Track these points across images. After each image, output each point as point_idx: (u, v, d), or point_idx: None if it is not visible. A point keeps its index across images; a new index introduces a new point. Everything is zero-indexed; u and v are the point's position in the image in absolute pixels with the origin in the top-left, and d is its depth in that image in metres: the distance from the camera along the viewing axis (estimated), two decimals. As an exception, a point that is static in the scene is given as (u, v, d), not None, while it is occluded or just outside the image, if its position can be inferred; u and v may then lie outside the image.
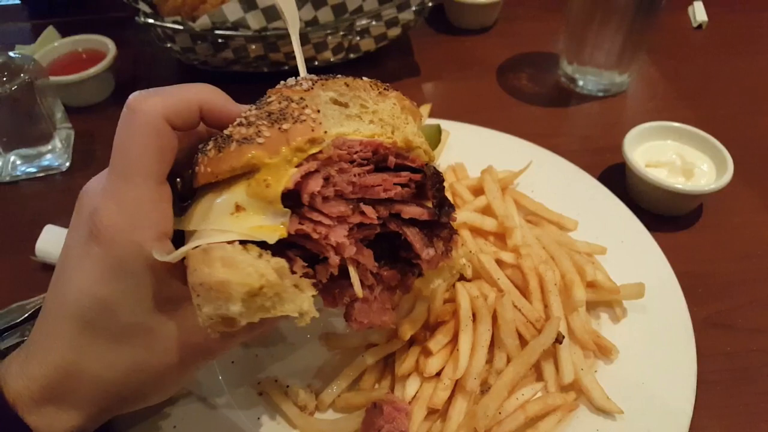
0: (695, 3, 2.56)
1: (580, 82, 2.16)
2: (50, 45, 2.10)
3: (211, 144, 0.87)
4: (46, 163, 1.83)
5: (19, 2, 2.65)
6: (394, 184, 0.89)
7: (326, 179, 0.82)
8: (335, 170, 0.83)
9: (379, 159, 0.88)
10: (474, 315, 1.27)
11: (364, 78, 0.97)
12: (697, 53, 2.38)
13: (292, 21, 1.13)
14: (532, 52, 2.38)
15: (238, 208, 0.81)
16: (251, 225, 0.79)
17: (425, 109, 1.83)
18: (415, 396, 1.24)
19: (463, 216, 1.47)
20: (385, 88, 0.97)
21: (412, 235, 0.92)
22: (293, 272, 0.80)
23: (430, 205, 0.94)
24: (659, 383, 1.26)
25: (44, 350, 0.90)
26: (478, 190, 1.60)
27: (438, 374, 1.24)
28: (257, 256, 0.76)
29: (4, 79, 1.63)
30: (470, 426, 1.18)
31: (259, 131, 0.83)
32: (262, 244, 0.78)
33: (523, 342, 1.28)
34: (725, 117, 2.03)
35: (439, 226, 0.95)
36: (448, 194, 1.59)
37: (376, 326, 0.91)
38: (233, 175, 0.84)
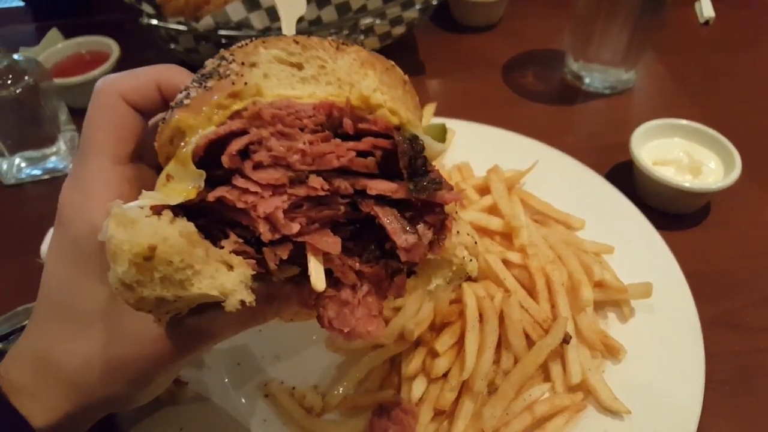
0: (702, -2, 2.54)
1: (587, 80, 2.15)
2: (54, 47, 2.11)
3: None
4: (50, 165, 1.84)
5: (22, 4, 2.66)
6: (350, 150, 0.75)
7: (258, 143, 0.72)
8: (270, 133, 0.72)
9: (335, 124, 0.76)
10: (480, 315, 1.27)
11: (328, 38, 0.85)
12: (704, 49, 2.36)
13: (288, 6, 1.06)
14: (538, 50, 2.37)
15: (168, 177, 0.74)
16: (170, 190, 0.73)
17: (430, 108, 1.83)
18: (421, 397, 1.24)
19: (469, 216, 1.46)
20: (343, 43, 0.83)
21: (386, 216, 0.75)
22: (220, 247, 0.72)
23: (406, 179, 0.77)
24: (667, 383, 1.25)
25: (24, 336, 0.90)
26: (484, 190, 1.59)
27: (445, 375, 1.24)
28: (169, 221, 0.69)
29: (9, 82, 1.64)
30: (477, 427, 1.18)
31: (188, 94, 0.76)
32: (190, 217, 0.71)
33: (530, 342, 1.27)
34: (733, 114, 2.02)
35: (427, 208, 0.78)
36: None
37: (360, 336, 0.77)
38: (174, 148, 0.76)
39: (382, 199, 0.76)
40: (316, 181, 0.73)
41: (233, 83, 0.74)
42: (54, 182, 1.84)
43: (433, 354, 1.25)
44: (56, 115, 1.81)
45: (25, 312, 1.32)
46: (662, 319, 1.36)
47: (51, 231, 1.55)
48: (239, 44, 0.80)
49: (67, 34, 2.21)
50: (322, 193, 0.73)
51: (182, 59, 2.04)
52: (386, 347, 1.28)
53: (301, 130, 0.74)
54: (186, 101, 0.75)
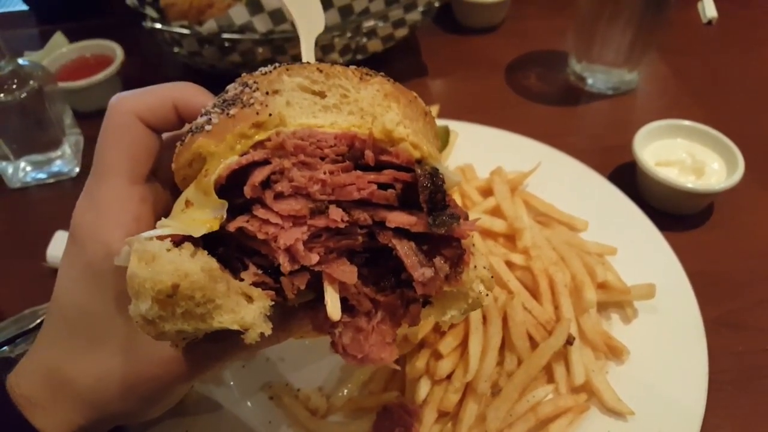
0: (704, -2, 2.53)
1: (590, 81, 2.15)
2: (58, 51, 2.12)
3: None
4: (56, 169, 1.85)
5: (27, 8, 2.67)
6: (371, 182, 0.75)
7: (280, 173, 0.73)
8: (292, 163, 0.73)
9: (356, 155, 0.77)
10: (484, 317, 1.27)
11: (350, 66, 0.85)
12: (707, 50, 2.36)
13: (305, 21, 1.06)
14: (541, 51, 2.37)
15: (188, 203, 0.74)
16: (191, 219, 0.72)
17: (433, 110, 1.83)
18: (425, 399, 1.24)
19: (471, 217, 1.46)
20: (366, 73, 0.83)
21: (403, 249, 0.75)
22: (240, 279, 0.72)
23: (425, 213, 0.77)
24: (670, 384, 1.26)
25: (35, 349, 0.91)
26: (487, 192, 1.60)
27: (448, 377, 1.25)
28: (190, 255, 0.69)
29: (14, 86, 1.64)
30: (481, 428, 1.19)
31: (209, 119, 0.77)
32: (209, 246, 0.72)
33: (533, 344, 1.28)
34: (736, 114, 2.02)
35: (445, 242, 0.78)
36: (457, 198, 1.58)
37: (373, 363, 0.76)
38: (193, 171, 0.77)
39: (400, 231, 0.76)
40: (336, 213, 0.73)
41: (257, 113, 0.74)
42: (59, 186, 1.85)
43: (437, 356, 1.26)
44: (61, 119, 1.82)
45: (32, 315, 1.33)
46: (665, 320, 1.36)
47: (57, 234, 1.57)
48: (262, 71, 0.81)
49: (72, 37, 2.22)
50: (342, 225, 0.73)
51: (185, 62, 2.05)
52: (390, 349, 1.29)
53: (322, 159, 0.75)
54: (207, 127, 0.76)
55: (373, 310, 0.78)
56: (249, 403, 1.27)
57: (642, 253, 1.49)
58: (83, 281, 0.84)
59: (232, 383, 1.29)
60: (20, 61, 1.71)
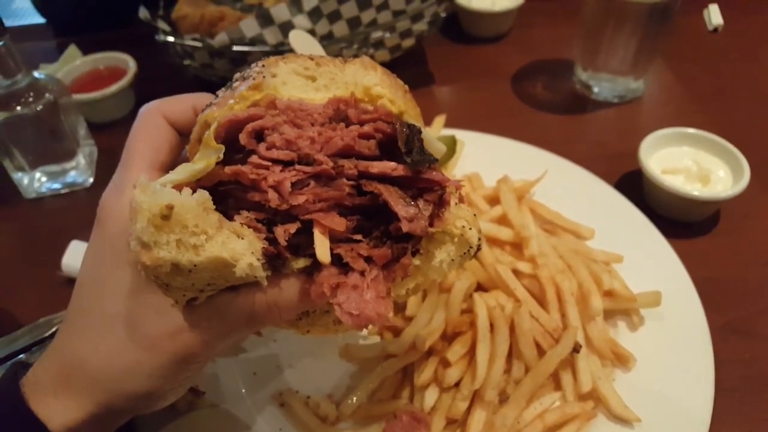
0: (711, 6, 2.54)
1: (596, 89, 2.16)
2: (72, 63, 2.16)
3: None
4: (70, 179, 1.88)
5: (40, 22, 2.71)
6: (353, 132, 0.82)
7: (273, 128, 0.80)
8: (284, 120, 0.81)
9: (342, 116, 0.84)
10: (491, 325, 1.28)
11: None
12: (712, 57, 2.37)
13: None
14: (547, 60, 2.39)
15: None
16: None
17: (440, 119, 1.85)
18: (434, 406, 1.25)
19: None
20: (352, 57, 0.93)
21: (388, 192, 0.80)
22: (232, 220, 0.78)
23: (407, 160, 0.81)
24: (677, 391, 1.27)
25: (53, 343, 0.94)
26: (493, 200, 1.61)
27: (456, 384, 1.26)
28: (188, 194, 0.75)
29: (30, 99, 1.68)
30: (489, 436, 1.20)
31: (216, 96, 0.88)
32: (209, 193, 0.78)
33: (540, 352, 1.29)
34: (741, 122, 2.02)
35: (427, 189, 0.83)
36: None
37: (370, 320, 0.78)
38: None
39: (384, 180, 0.82)
40: (324, 159, 0.80)
41: (254, 79, 0.84)
42: (74, 196, 1.88)
43: (445, 363, 1.27)
44: (75, 130, 1.85)
45: (47, 323, 1.36)
46: (672, 328, 1.37)
47: (72, 243, 1.60)
48: (261, 60, 0.90)
49: (85, 50, 2.26)
50: (328, 168, 0.79)
51: (197, 74, 2.08)
52: (399, 357, 1.30)
53: (312, 124, 0.82)
54: (214, 101, 0.87)
55: (367, 267, 0.81)
56: (260, 411, 1.29)
57: (648, 260, 1.50)
58: (102, 257, 0.90)
59: (243, 390, 1.31)
60: (36, 74, 1.74)
